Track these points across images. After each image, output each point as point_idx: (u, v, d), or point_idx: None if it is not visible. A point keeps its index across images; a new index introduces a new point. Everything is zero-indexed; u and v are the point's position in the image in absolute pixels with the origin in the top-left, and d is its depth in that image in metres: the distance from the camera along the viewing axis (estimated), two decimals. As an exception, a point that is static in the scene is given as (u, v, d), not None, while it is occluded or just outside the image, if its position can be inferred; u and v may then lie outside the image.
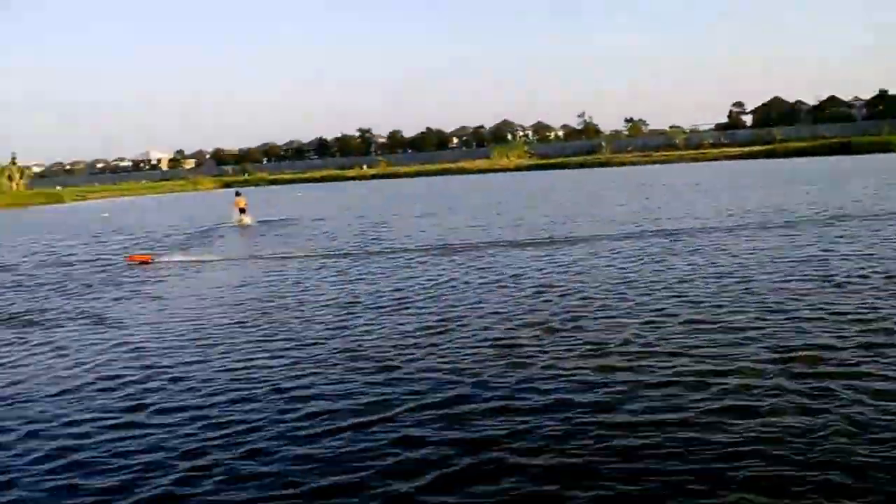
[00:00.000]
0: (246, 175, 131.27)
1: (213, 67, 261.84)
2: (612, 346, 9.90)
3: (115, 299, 15.83)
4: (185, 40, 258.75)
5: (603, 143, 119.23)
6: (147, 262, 22.20)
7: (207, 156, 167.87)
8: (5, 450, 7.37)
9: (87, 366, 10.42)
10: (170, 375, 9.64)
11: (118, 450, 7.20)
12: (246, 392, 8.74)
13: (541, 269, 16.34)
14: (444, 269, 17.20)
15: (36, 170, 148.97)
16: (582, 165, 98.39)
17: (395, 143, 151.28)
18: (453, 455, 6.71)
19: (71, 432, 7.75)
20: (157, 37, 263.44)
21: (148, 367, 10.12)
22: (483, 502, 5.87)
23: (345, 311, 13.16)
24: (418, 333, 11.23)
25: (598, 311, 12.01)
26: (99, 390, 9.23)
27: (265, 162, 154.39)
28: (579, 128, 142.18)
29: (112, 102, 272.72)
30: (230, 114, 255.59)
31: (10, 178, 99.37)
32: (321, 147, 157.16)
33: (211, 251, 24.46)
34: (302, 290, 15.61)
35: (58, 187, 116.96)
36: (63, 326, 13.33)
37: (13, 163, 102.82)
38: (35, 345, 11.97)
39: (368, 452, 6.86)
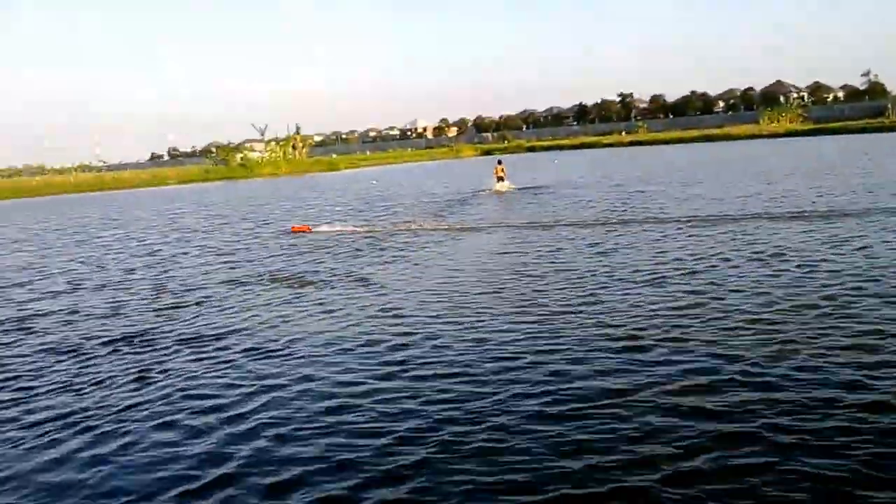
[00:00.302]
0: (505, 142, 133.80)
1: (479, 37, 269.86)
2: (891, 338, 8.56)
3: (380, 263, 16.57)
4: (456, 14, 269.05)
5: (889, 105, 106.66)
6: (306, 232, 23.66)
7: (469, 124, 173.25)
8: (282, 406, 7.70)
9: (354, 326, 10.82)
10: (428, 340, 9.74)
11: (382, 410, 7.32)
12: (496, 363, 8.57)
13: (811, 246, 14.65)
14: (701, 242, 16.07)
15: (316, 139, 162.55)
16: (863, 130, 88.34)
17: (657, 107, 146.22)
18: (698, 448, 6.07)
19: (342, 391, 7.98)
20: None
21: (407, 331, 10.27)
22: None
23: (597, 283, 12.68)
24: (672, 310, 10.47)
25: (875, 296, 10.46)
26: (365, 350, 9.49)
27: (524, 129, 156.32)
28: (862, 88, 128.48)
29: (383, 69, 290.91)
30: (492, 84, 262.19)
31: (294, 148, 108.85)
32: (580, 113, 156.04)
33: (467, 218, 24.95)
34: (554, 260, 15.29)
35: (333, 155, 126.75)
36: (333, 287, 14.16)
37: (297, 133, 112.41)
38: (309, 303, 12.72)
39: (610, 437, 6.40)
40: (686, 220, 19.79)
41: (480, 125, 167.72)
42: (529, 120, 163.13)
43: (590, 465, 5.94)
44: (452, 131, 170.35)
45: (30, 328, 12.23)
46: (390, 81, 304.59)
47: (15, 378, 9.33)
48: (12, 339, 11.49)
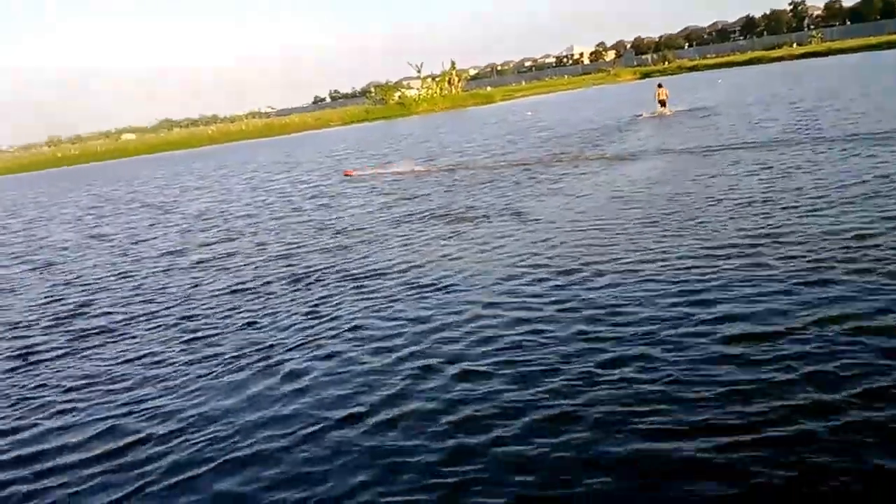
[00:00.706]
0: (665, 63, 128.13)
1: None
2: None
3: (537, 196, 16.53)
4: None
5: None
6: (349, 175, 26.32)
7: (628, 46, 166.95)
8: (452, 343, 7.90)
9: (515, 261, 10.91)
10: (595, 276, 9.61)
11: (555, 349, 7.32)
12: (649, 295, 8.43)
13: None
14: (878, 163, 14.69)
15: (471, 73, 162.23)
16: None
17: (832, 14, 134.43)
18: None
19: (509, 330, 8.03)
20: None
21: (572, 266, 10.20)
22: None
23: (759, 211, 11.95)
24: (858, 238, 9.70)
25: None
26: (529, 287, 9.51)
27: (686, 48, 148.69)
28: None
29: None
30: (651, 2, 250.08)
31: (450, 83, 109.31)
32: (747, 26, 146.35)
33: (625, 146, 24.27)
34: (717, 186, 14.61)
35: (487, 88, 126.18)
36: (491, 222, 14.29)
37: (452, 68, 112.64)
38: (468, 240, 12.94)
39: (795, 379, 6.04)
40: (877, 136, 18.22)
41: (639, 47, 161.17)
42: (692, 38, 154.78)
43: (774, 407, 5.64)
44: (610, 55, 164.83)
45: (225, 266, 13.30)
46: (545, 8, 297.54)
47: (208, 314, 10.21)
48: (211, 278, 12.54)
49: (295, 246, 14.41)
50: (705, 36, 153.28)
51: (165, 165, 56.06)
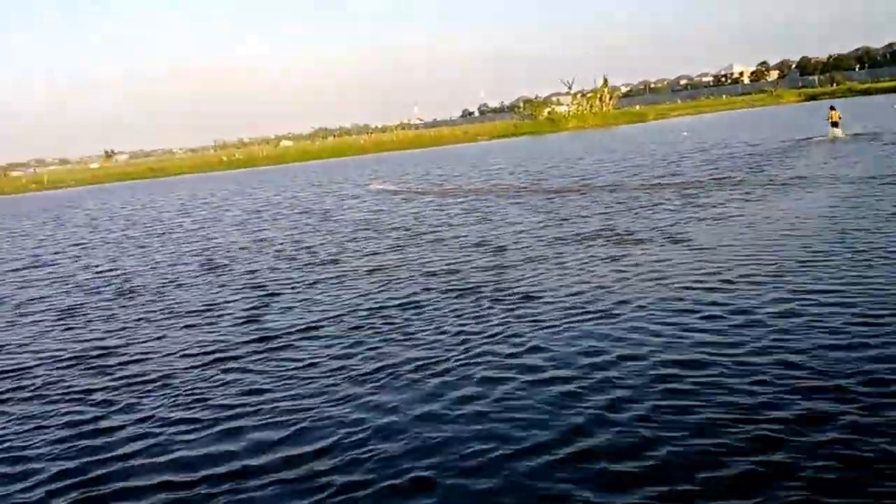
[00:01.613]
0: (833, 85, 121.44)
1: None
2: None
3: (696, 221, 16.04)
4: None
5: None
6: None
7: (792, 66, 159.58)
8: (615, 368, 7.84)
9: (675, 287, 10.67)
10: (751, 307, 9.26)
11: (724, 382, 7.09)
12: (821, 335, 8.00)
13: None
14: None
15: (623, 90, 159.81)
16: None
17: None
18: None
19: (667, 358, 7.89)
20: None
21: (726, 300, 9.80)
22: None
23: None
24: None
25: None
26: (689, 316, 9.26)
27: (857, 69, 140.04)
28: None
29: (693, 10, 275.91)
30: (819, 20, 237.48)
31: (601, 100, 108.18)
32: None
33: (791, 172, 23.11)
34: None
35: (636, 106, 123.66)
36: (647, 246, 14.04)
37: (604, 85, 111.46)
38: (624, 263, 12.69)
39: None
40: None
41: (805, 67, 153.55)
42: (864, 58, 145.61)
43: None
44: (772, 75, 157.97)
45: (388, 278, 13.62)
46: (703, 24, 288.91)
47: (377, 326, 10.48)
48: (375, 289, 12.85)
49: (455, 261, 14.57)
50: (879, 57, 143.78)
51: (321, 172, 58.35)
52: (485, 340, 9.22)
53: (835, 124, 33.72)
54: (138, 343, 10.85)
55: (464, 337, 9.47)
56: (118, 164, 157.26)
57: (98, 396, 8.60)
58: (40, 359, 10.52)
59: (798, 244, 12.72)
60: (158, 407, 8.04)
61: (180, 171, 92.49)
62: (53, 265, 20.47)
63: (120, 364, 9.83)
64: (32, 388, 9.20)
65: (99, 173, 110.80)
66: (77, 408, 8.28)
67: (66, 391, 8.92)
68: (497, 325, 9.85)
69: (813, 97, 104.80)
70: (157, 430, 7.40)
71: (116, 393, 8.64)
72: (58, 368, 9.94)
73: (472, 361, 8.48)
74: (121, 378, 9.20)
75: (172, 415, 7.77)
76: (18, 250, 25.35)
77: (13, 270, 20.29)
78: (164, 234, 25.68)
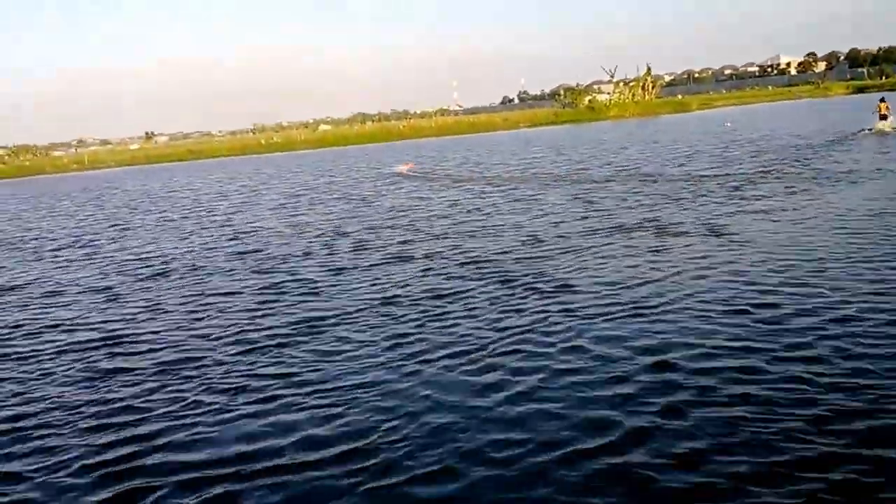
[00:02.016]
0: (883, 78, 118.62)
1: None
2: None
3: (739, 213, 15.80)
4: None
5: None
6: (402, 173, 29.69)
7: (841, 57, 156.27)
8: (664, 371, 7.78)
9: (716, 284, 10.46)
10: (791, 304, 9.09)
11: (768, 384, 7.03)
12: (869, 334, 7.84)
13: None
14: None
15: (667, 79, 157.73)
16: None
17: None
18: None
19: (713, 356, 7.81)
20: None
21: (773, 301, 9.57)
22: None
23: None
24: None
25: None
26: (733, 311, 9.15)
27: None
28: None
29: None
30: (872, 9, 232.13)
31: (644, 89, 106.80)
32: None
33: (838, 165, 22.58)
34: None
35: (679, 96, 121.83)
36: (689, 235, 13.92)
37: (647, 74, 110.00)
38: (665, 257, 12.54)
39: None
40: None
41: (854, 58, 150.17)
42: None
43: None
44: (820, 66, 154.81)
45: (425, 267, 13.61)
46: (750, 13, 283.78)
47: (415, 316, 10.49)
48: (411, 277, 12.87)
49: (492, 252, 14.44)
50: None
51: (359, 157, 58.48)
52: (522, 330, 9.17)
53: (883, 117, 33.01)
54: (172, 327, 10.97)
55: (501, 325, 9.44)
56: (157, 146, 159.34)
57: (133, 378, 8.74)
58: (76, 341, 10.71)
59: (844, 241, 12.42)
60: (192, 389, 8.15)
61: (219, 154, 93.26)
62: (92, 245, 20.82)
63: (153, 348, 9.95)
64: (68, 368, 9.39)
65: (139, 154, 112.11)
66: (112, 389, 8.43)
67: (99, 372, 9.09)
68: (535, 314, 9.80)
69: (861, 89, 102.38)
70: (192, 412, 7.51)
71: (152, 375, 8.77)
72: (89, 349, 10.12)
73: (509, 351, 8.46)
74: (157, 361, 9.33)
75: (205, 398, 7.87)
76: (60, 229, 25.84)
77: (53, 250, 20.67)
78: (202, 216, 25.94)
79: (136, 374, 8.83)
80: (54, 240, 22.93)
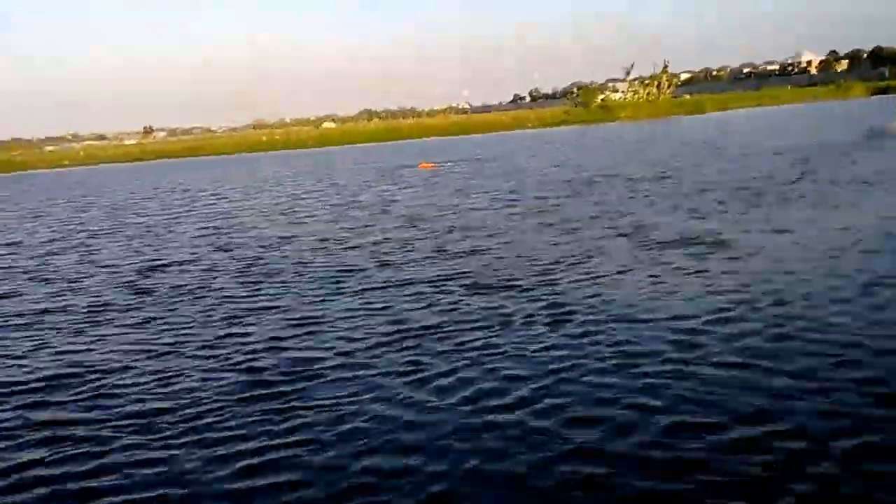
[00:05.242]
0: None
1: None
2: None
3: (748, 223, 15.81)
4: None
5: None
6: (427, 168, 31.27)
7: (864, 56, 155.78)
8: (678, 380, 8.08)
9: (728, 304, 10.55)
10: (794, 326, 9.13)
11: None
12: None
13: None
14: None
15: (683, 77, 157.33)
16: None
17: None
18: None
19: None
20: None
21: (778, 310, 9.75)
22: None
23: None
24: None
25: None
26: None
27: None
28: None
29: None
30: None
31: (659, 87, 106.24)
32: None
33: (850, 173, 22.62)
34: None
35: (685, 95, 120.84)
36: (701, 251, 14.04)
37: (664, 71, 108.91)
38: (667, 268, 12.59)
39: None
40: None
41: (879, 56, 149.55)
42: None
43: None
44: (843, 65, 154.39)
45: (439, 279, 13.76)
46: (770, 9, 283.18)
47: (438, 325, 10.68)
48: (416, 294, 13.01)
49: (509, 261, 14.58)
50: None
51: (362, 157, 58.53)
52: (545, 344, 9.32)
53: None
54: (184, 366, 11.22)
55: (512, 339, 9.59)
56: (156, 141, 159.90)
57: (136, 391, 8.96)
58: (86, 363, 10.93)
59: (866, 257, 12.42)
60: (199, 398, 8.37)
61: (219, 151, 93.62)
62: (77, 249, 21.03)
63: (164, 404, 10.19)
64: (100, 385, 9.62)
65: (135, 150, 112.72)
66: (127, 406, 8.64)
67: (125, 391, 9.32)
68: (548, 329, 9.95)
69: (883, 90, 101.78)
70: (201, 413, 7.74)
71: (157, 389, 9.00)
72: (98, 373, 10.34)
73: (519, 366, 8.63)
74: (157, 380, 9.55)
75: (210, 407, 8.07)
76: (49, 231, 26.08)
77: (39, 255, 20.88)
78: (201, 221, 26.10)
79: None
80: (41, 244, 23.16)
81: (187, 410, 8.04)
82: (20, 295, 14.96)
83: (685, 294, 11.09)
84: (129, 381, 9.11)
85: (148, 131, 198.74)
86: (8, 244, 23.37)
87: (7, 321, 12.75)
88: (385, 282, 13.38)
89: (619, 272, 12.80)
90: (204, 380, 8.97)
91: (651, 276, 12.37)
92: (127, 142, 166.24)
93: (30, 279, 16.74)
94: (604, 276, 12.62)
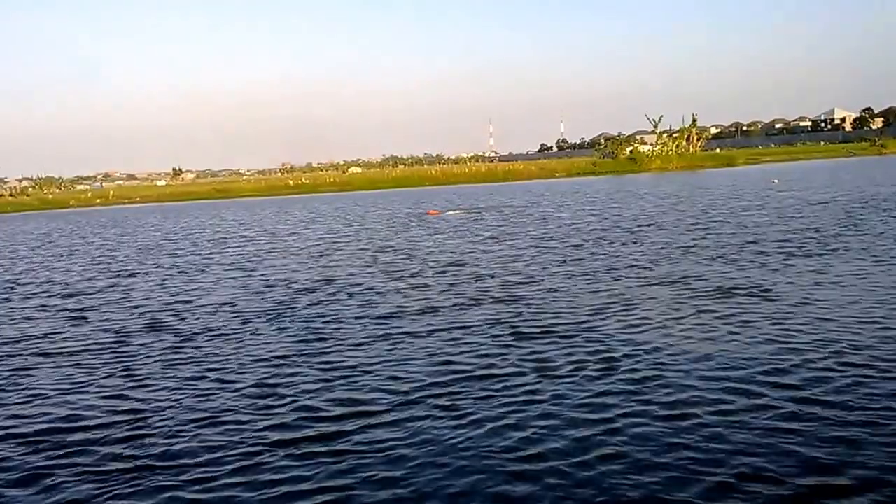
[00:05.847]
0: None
1: None
2: None
3: (788, 275, 15.83)
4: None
5: None
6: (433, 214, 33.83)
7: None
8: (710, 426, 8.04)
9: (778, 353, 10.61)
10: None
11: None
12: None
13: None
14: None
15: (713, 130, 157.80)
16: None
17: None
18: None
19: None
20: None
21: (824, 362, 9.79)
22: None
23: None
24: None
25: None
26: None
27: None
28: None
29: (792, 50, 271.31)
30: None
31: (688, 140, 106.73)
32: None
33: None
34: None
35: (717, 149, 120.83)
36: (730, 300, 13.93)
37: (693, 125, 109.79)
38: (715, 317, 12.66)
39: None
40: None
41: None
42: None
43: None
44: (877, 123, 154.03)
45: (462, 326, 13.79)
46: (803, 66, 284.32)
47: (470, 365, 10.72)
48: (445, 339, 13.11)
49: (547, 310, 14.66)
50: None
51: (384, 202, 58.94)
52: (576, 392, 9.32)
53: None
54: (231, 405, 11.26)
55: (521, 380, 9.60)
56: (184, 183, 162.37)
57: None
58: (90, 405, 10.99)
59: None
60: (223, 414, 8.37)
61: (245, 194, 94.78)
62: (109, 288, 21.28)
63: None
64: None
65: (165, 191, 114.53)
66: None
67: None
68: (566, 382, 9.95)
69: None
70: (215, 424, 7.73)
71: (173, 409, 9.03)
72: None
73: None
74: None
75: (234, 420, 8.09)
76: (81, 269, 26.40)
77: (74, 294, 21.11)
78: (230, 262, 26.33)
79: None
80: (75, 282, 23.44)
81: (236, 450, 8.08)
82: (60, 334, 15.13)
83: (733, 343, 11.05)
84: (179, 420, 9.20)
85: (177, 172, 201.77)
86: (40, 283, 23.71)
87: (51, 359, 12.91)
88: (427, 325, 13.44)
89: (665, 320, 12.79)
90: (253, 420, 9.01)
91: (697, 324, 12.35)
92: (158, 182, 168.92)
93: (72, 318, 16.93)
94: (648, 324, 12.62)
